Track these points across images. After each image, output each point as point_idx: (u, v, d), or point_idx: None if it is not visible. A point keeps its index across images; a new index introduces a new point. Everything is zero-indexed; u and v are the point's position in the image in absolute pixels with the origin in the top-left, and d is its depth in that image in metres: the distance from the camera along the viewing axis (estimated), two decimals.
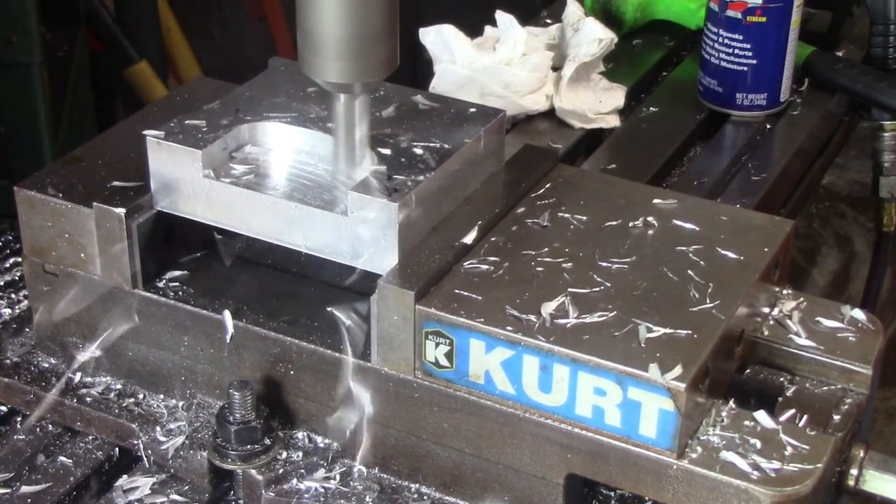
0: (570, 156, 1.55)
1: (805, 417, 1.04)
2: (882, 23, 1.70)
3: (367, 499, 1.08)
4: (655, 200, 1.17)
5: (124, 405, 1.15)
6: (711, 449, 0.98)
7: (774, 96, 1.65)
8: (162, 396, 1.16)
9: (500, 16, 1.58)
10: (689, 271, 1.07)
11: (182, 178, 1.10)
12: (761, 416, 1.01)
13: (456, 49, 1.54)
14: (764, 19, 1.59)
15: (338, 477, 1.09)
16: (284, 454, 1.10)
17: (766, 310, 1.13)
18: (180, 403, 1.15)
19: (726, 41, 1.62)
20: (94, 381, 1.18)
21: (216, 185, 1.09)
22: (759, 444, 0.99)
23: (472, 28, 1.60)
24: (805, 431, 1.01)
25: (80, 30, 2.76)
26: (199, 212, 1.11)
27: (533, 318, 1.01)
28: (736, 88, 1.64)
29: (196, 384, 1.15)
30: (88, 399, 1.16)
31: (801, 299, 1.15)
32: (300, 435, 1.12)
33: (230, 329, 1.10)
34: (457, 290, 1.04)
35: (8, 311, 1.27)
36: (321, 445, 1.11)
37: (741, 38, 1.61)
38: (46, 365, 1.20)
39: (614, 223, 1.13)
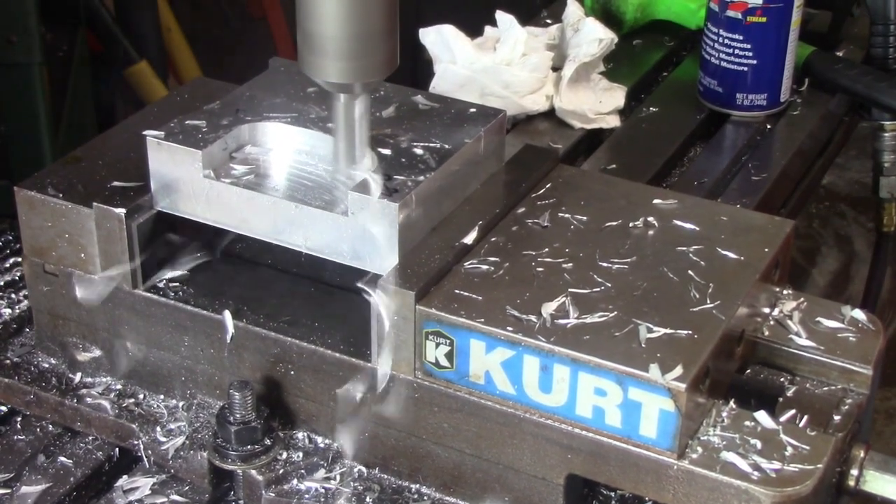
0: (570, 156, 1.55)
1: (805, 418, 1.04)
2: (882, 23, 1.70)
3: (368, 499, 1.08)
4: (656, 200, 1.17)
5: (124, 405, 1.15)
6: (712, 449, 0.98)
7: (774, 96, 1.65)
8: (162, 397, 1.16)
9: (501, 16, 1.58)
10: (690, 271, 1.07)
11: (182, 178, 1.10)
12: (762, 416, 1.01)
13: (456, 49, 1.54)
14: (764, 19, 1.59)
15: (338, 477, 1.09)
16: (285, 454, 1.10)
17: (767, 310, 1.13)
18: (180, 404, 1.15)
19: (726, 41, 1.62)
20: (94, 381, 1.18)
21: (216, 186, 1.09)
22: (759, 445, 0.99)
23: (473, 28, 1.60)
24: (805, 432, 1.01)
25: (80, 30, 2.76)
26: (200, 212, 1.11)
27: (533, 318, 1.01)
28: (736, 88, 1.64)
29: (196, 384, 1.15)
30: (88, 399, 1.16)
31: (802, 299, 1.15)
32: (300, 435, 1.12)
33: (230, 329, 1.10)
34: (457, 291, 1.04)
35: (8, 311, 1.27)
36: (321, 446, 1.11)
37: (741, 38, 1.61)
38: (46, 365, 1.20)
39: (614, 223, 1.13)
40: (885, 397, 2.88)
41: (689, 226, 1.13)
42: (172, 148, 1.10)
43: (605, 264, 1.08)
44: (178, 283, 1.15)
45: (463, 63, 1.54)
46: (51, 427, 1.17)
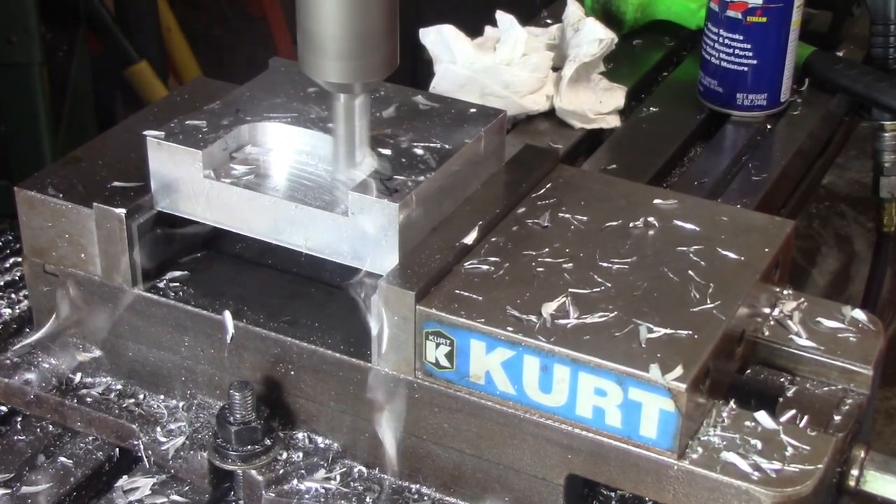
0: (570, 156, 1.55)
1: (806, 418, 1.04)
2: (882, 23, 1.70)
3: (368, 499, 1.08)
4: (656, 201, 1.17)
5: (124, 405, 1.15)
6: (712, 449, 0.98)
7: (775, 96, 1.65)
8: (162, 397, 1.16)
9: (501, 16, 1.58)
10: (690, 272, 1.07)
11: (182, 178, 1.10)
12: (762, 416, 1.01)
13: (456, 49, 1.54)
14: (764, 19, 1.59)
15: (338, 477, 1.09)
16: (285, 455, 1.09)
17: (767, 310, 1.13)
18: (181, 404, 1.15)
19: (727, 41, 1.62)
20: (95, 381, 1.18)
21: (216, 186, 1.09)
22: (759, 445, 0.99)
23: (473, 28, 1.60)
24: (806, 432, 1.01)
25: (80, 30, 2.76)
26: (200, 212, 1.11)
27: (533, 318, 1.01)
28: (736, 88, 1.64)
29: (196, 384, 1.15)
30: (89, 399, 1.16)
31: (802, 300, 1.15)
32: (300, 435, 1.12)
33: (230, 329, 1.10)
34: (457, 291, 1.04)
35: (8, 311, 1.27)
36: (321, 446, 1.11)
37: (741, 38, 1.61)
38: (46, 365, 1.19)
39: (615, 223, 1.13)
40: (885, 397, 2.88)
41: (689, 226, 1.13)
42: (173, 148, 1.10)
43: (605, 264, 1.08)
44: (178, 283, 1.15)
45: (463, 63, 1.54)
46: (51, 427, 1.17)
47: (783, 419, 1.03)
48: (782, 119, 1.67)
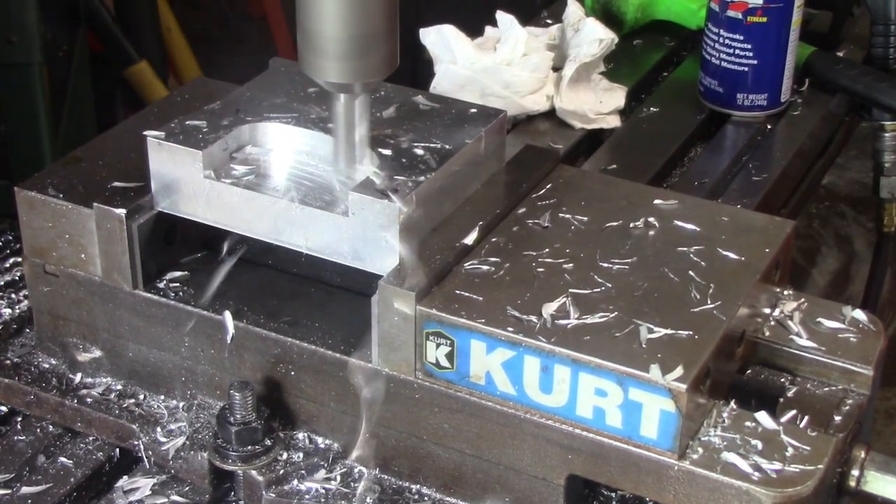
0: (570, 156, 1.55)
1: (806, 418, 1.04)
2: (883, 23, 1.70)
3: (368, 500, 1.08)
4: (656, 201, 1.17)
5: (125, 406, 1.15)
6: (712, 450, 0.98)
7: (775, 97, 1.65)
8: (162, 397, 1.16)
9: (501, 16, 1.58)
10: (690, 272, 1.07)
11: (183, 178, 1.10)
12: (762, 416, 1.01)
13: (456, 49, 1.54)
14: (765, 19, 1.59)
15: (338, 478, 1.09)
16: (285, 455, 1.09)
17: (767, 310, 1.13)
18: (181, 404, 1.15)
19: (727, 41, 1.62)
20: (95, 381, 1.18)
21: (217, 186, 1.09)
22: (760, 445, 0.99)
23: (473, 28, 1.60)
24: (806, 432, 1.00)
25: (80, 30, 2.76)
26: (200, 212, 1.11)
27: (534, 318, 1.01)
28: (737, 89, 1.64)
29: (197, 385, 1.15)
30: (89, 400, 1.16)
31: (802, 300, 1.15)
32: (301, 436, 1.12)
33: (231, 330, 1.10)
34: (458, 291, 1.04)
35: (8, 311, 1.27)
36: (322, 446, 1.11)
37: (742, 38, 1.61)
38: (47, 366, 1.19)
39: (615, 224, 1.13)
40: (885, 397, 2.88)
41: (689, 226, 1.13)
42: (173, 148, 1.10)
43: (605, 265, 1.08)
44: (178, 284, 1.15)
45: (463, 63, 1.54)
46: (51, 427, 1.17)
47: (783, 419, 1.03)
48: (782, 119, 1.67)
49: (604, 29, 1.57)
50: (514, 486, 1.05)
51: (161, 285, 1.15)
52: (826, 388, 1.10)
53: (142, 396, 1.17)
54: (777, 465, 0.97)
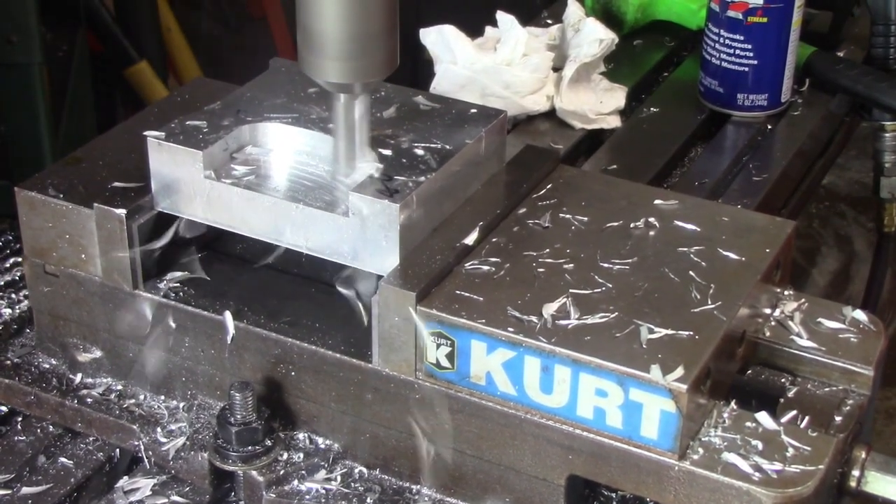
0: (570, 156, 1.55)
1: (807, 419, 1.04)
2: (883, 23, 1.70)
3: (369, 500, 1.08)
4: (656, 201, 1.17)
5: (125, 406, 1.15)
6: (713, 450, 0.98)
7: (775, 97, 1.65)
8: (163, 397, 1.16)
9: (501, 16, 1.58)
10: (691, 272, 1.07)
11: (183, 178, 1.10)
12: (763, 417, 1.01)
13: (457, 49, 1.54)
14: (765, 20, 1.59)
15: (339, 478, 1.09)
16: (285, 455, 1.09)
17: (768, 311, 1.13)
18: (181, 404, 1.15)
19: (727, 42, 1.62)
20: (95, 382, 1.18)
21: (217, 186, 1.09)
22: (760, 446, 0.98)
23: (473, 28, 1.60)
24: (807, 433, 1.00)
25: (80, 30, 2.76)
26: (200, 213, 1.11)
27: (534, 319, 1.01)
28: (737, 89, 1.64)
29: (197, 385, 1.15)
30: (89, 400, 1.16)
31: (803, 300, 1.15)
32: (301, 436, 1.12)
33: (231, 330, 1.10)
34: (458, 291, 1.04)
35: (8, 311, 1.26)
36: (322, 446, 1.11)
37: (742, 38, 1.61)
38: (47, 366, 1.19)
39: (615, 224, 1.13)
40: (885, 397, 2.88)
41: (690, 226, 1.13)
42: (173, 148, 1.10)
43: (605, 265, 1.08)
44: (178, 284, 1.15)
45: (464, 63, 1.53)
46: (51, 428, 1.17)
47: (784, 420, 1.03)
48: (783, 119, 1.67)
49: (604, 29, 1.56)
50: (514, 487, 1.05)
51: (161, 285, 1.14)
52: (826, 389, 1.10)
53: (142, 397, 1.17)
54: (778, 466, 0.97)
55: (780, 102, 1.66)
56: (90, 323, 1.17)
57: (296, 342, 1.09)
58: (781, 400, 1.08)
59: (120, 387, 1.18)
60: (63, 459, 1.13)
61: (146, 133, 1.11)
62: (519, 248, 1.09)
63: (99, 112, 2.90)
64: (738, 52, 1.62)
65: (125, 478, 1.12)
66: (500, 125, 1.18)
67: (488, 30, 1.62)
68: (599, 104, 1.60)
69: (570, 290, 1.04)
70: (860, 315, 1.13)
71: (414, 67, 1.63)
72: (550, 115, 1.60)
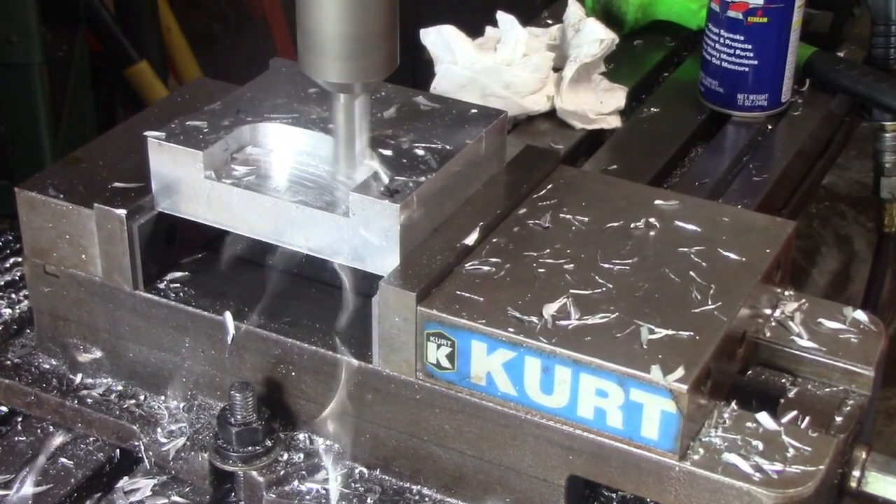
0: (571, 156, 1.55)
1: (807, 419, 1.04)
2: (883, 23, 1.70)
3: (369, 500, 1.08)
4: (657, 201, 1.17)
5: (125, 406, 1.15)
6: (713, 450, 0.98)
7: (776, 97, 1.65)
8: (163, 398, 1.16)
9: (501, 16, 1.58)
10: (691, 272, 1.07)
11: (183, 179, 1.10)
12: (763, 417, 1.01)
13: (457, 50, 1.54)
14: (765, 20, 1.59)
15: (339, 478, 1.09)
16: (286, 455, 1.09)
17: (768, 311, 1.13)
18: (181, 405, 1.15)
19: (727, 42, 1.62)
20: (95, 382, 1.18)
21: (217, 187, 1.09)
22: (761, 446, 0.98)
23: (473, 28, 1.60)
24: (807, 433, 1.00)
25: (80, 30, 2.76)
26: (201, 213, 1.11)
27: (535, 319, 1.01)
28: (737, 89, 1.64)
29: (197, 385, 1.15)
30: (89, 400, 1.16)
31: (803, 300, 1.15)
32: (301, 436, 1.12)
33: (231, 330, 1.10)
34: (458, 292, 1.04)
35: (8, 311, 1.26)
36: (322, 447, 1.11)
37: (742, 38, 1.61)
38: (47, 366, 1.19)
39: (616, 224, 1.13)
40: (885, 397, 2.88)
41: (690, 227, 1.13)
42: (173, 149, 1.10)
43: (606, 265, 1.08)
44: (178, 284, 1.15)
45: (464, 63, 1.53)
46: (51, 428, 1.17)
47: (784, 420, 1.03)
48: (783, 119, 1.67)
49: (604, 29, 1.56)
50: (514, 487, 1.05)
51: (161, 286, 1.14)
52: (827, 389, 1.10)
53: (142, 397, 1.17)
54: (778, 466, 0.97)
55: (781, 102, 1.66)
56: (90, 323, 1.17)
57: (296, 342, 1.09)
58: (782, 400, 1.08)
59: (120, 387, 1.18)
60: (63, 460, 1.13)
61: (146, 133, 1.11)
62: (519, 248, 1.09)
63: (99, 112, 2.90)
64: (738, 52, 1.62)
65: (125, 478, 1.12)
66: (501, 125, 1.17)
67: (488, 30, 1.62)
68: (600, 104, 1.60)
69: (571, 291, 1.04)
70: (860, 315, 1.13)
71: (414, 67, 1.63)
72: (551, 115, 1.60)
